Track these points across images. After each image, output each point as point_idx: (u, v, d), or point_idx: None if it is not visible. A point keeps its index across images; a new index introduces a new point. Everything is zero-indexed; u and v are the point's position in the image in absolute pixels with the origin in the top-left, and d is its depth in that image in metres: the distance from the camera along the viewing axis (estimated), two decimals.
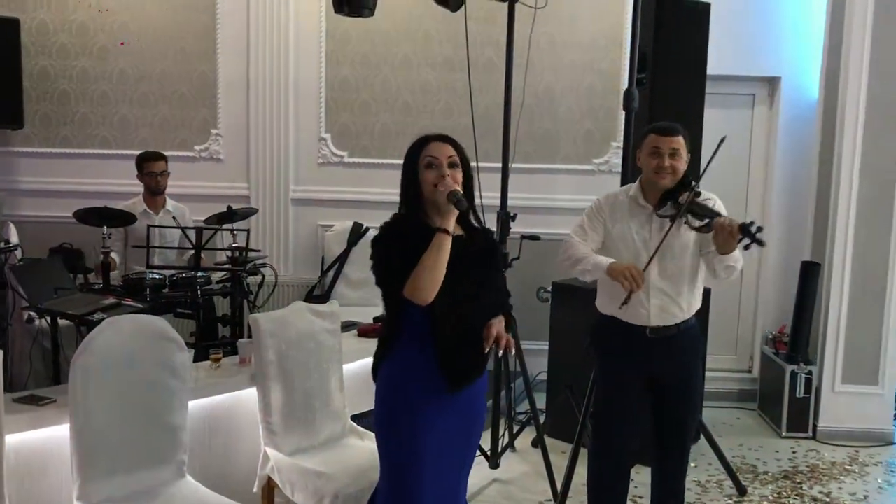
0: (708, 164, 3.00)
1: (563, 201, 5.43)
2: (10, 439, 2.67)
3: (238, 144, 5.71)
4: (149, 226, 4.44)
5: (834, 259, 4.82)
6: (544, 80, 5.49)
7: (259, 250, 4.91)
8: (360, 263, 5.36)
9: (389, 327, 2.46)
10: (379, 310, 4.59)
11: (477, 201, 3.44)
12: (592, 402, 3.56)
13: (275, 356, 3.20)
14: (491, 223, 3.46)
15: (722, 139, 2.94)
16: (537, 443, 4.26)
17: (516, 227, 4.17)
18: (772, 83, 5.49)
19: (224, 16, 5.59)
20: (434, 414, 2.37)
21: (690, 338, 3.18)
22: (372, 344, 3.84)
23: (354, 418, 3.49)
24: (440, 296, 2.30)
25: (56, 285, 3.79)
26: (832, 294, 4.83)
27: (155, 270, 4.27)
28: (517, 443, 4.44)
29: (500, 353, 2.41)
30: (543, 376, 4.87)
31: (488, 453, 4.04)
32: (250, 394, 3.27)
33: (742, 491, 4.05)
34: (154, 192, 4.90)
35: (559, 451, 4.30)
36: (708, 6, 4.55)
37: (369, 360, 3.62)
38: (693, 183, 2.96)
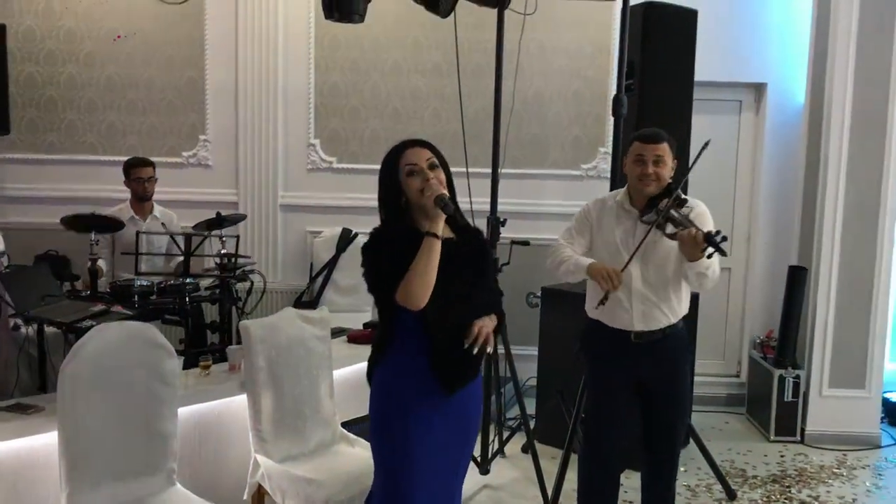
0: (690, 168, 3.02)
1: (552, 206, 5.44)
2: None
3: (226, 150, 5.69)
4: (138, 232, 4.41)
5: (821, 263, 4.85)
6: (533, 85, 5.51)
7: (249, 256, 4.90)
8: (349, 269, 5.34)
9: (383, 332, 2.46)
10: (368, 316, 4.59)
11: (466, 207, 3.47)
12: (583, 408, 3.56)
13: (265, 363, 3.19)
14: (481, 228, 3.47)
15: (706, 143, 2.96)
16: (527, 448, 4.25)
17: (505, 233, 4.17)
18: (758, 89, 5.53)
19: (212, 21, 5.58)
20: (429, 418, 2.37)
21: (677, 342, 3.19)
22: (362, 350, 3.88)
23: (344, 425, 3.48)
24: (432, 299, 2.29)
25: (43, 292, 3.75)
26: (819, 298, 4.86)
27: (143, 277, 4.25)
28: (507, 449, 4.42)
29: (488, 349, 2.39)
30: (533, 381, 4.88)
31: (479, 459, 4.03)
32: (240, 401, 3.26)
33: (732, 495, 4.06)
34: (141, 199, 4.87)
35: (549, 457, 4.30)
36: (695, 13, 4.59)
37: (360, 367, 3.64)
38: (676, 190, 2.97)
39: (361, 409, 3.51)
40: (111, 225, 4.38)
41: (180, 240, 4.34)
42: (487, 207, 4.17)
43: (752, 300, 5.65)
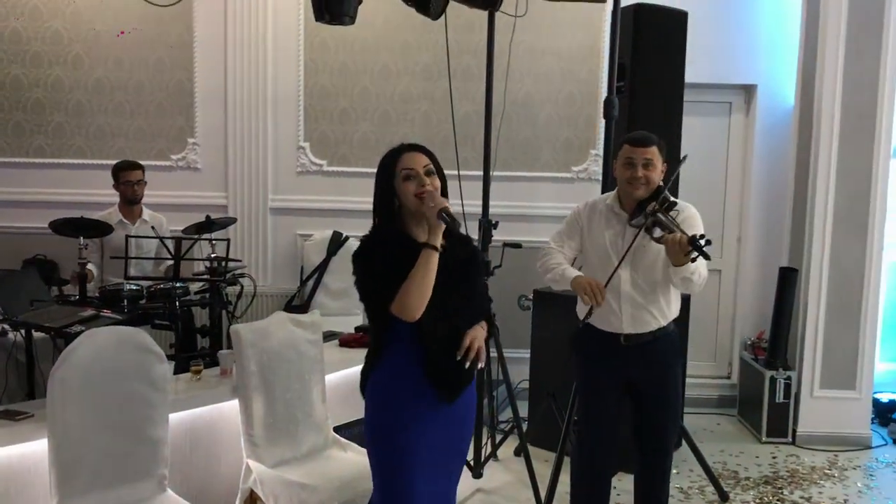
0: (667, 184, 3.02)
1: (544, 209, 5.44)
2: None
3: (215, 153, 5.66)
4: (127, 236, 4.38)
5: (811, 265, 4.87)
6: (524, 87, 5.50)
7: (239, 260, 4.87)
8: (340, 273, 5.32)
9: (376, 341, 2.44)
10: (360, 319, 4.57)
11: (458, 209, 3.46)
12: (576, 410, 3.56)
13: (256, 367, 3.17)
14: (473, 231, 3.46)
15: (683, 157, 3.01)
16: (520, 451, 4.25)
17: (497, 235, 4.17)
18: (748, 91, 5.55)
19: (201, 23, 5.55)
20: (425, 423, 2.35)
21: (667, 345, 3.18)
22: (354, 354, 3.87)
23: (337, 429, 3.46)
24: (427, 308, 2.28)
25: (31, 297, 3.73)
26: (810, 300, 4.87)
27: (132, 281, 4.21)
28: (500, 452, 4.42)
29: (479, 364, 2.39)
30: (525, 384, 4.87)
31: (471, 463, 4.02)
32: (231, 406, 3.23)
33: (724, 497, 4.06)
34: (130, 202, 4.84)
35: (542, 460, 4.29)
36: (685, 15, 4.59)
37: (352, 371, 3.63)
38: (664, 193, 2.97)
39: (354, 413, 3.51)
40: (100, 229, 4.34)
41: (170, 243, 4.31)
42: (479, 210, 4.16)
43: (742, 302, 5.66)
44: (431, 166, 2.40)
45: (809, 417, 4.90)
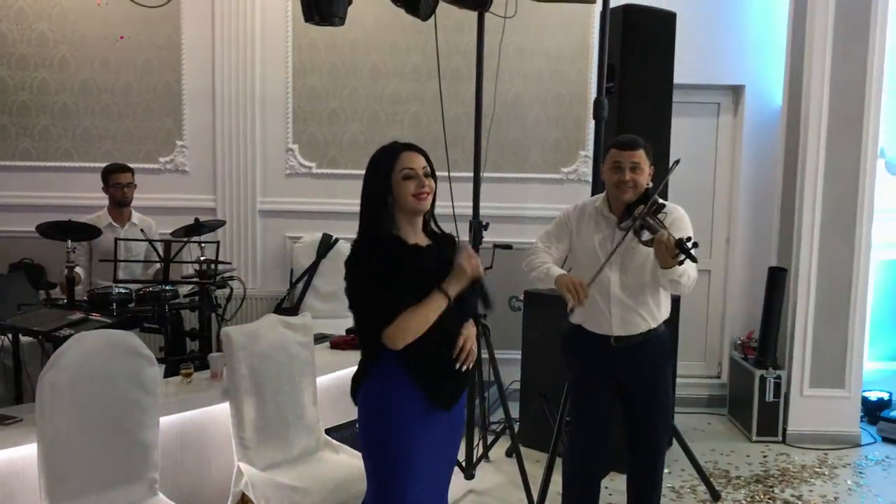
0: (659, 188, 3.02)
1: (534, 210, 5.44)
2: None
3: (204, 156, 5.63)
4: (116, 239, 4.35)
5: (800, 264, 4.89)
6: (513, 88, 5.50)
7: (229, 262, 4.85)
8: (330, 275, 5.31)
9: (369, 349, 2.38)
10: (350, 321, 4.52)
11: (448, 211, 3.46)
12: (567, 411, 3.56)
13: (247, 370, 3.15)
14: (463, 232, 3.46)
15: (676, 161, 3.01)
16: (512, 452, 4.24)
17: (487, 237, 4.17)
18: (736, 91, 5.57)
19: (188, 24, 5.52)
20: (420, 426, 2.32)
21: (658, 347, 3.19)
22: (345, 356, 3.86)
23: (328, 431, 3.44)
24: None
25: (19, 301, 3.70)
26: (799, 299, 4.89)
27: (121, 284, 4.19)
28: (492, 453, 4.41)
29: (470, 364, 2.39)
30: (517, 385, 4.86)
31: (463, 464, 4.01)
32: (222, 409, 3.21)
33: (716, 496, 4.07)
34: (120, 205, 4.80)
35: (534, 461, 4.29)
36: (674, 16, 4.60)
37: (343, 373, 3.62)
38: (653, 196, 2.98)
39: (345, 415, 3.50)
40: (88, 232, 4.31)
41: (159, 246, 4.29)
42: (469, 212, 4.16)
43: (732, 301, 5.68)
44: (429, 169, 2.39)
45: (799, 416, 4.92)
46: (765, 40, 5.42)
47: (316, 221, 5.58)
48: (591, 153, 4.97)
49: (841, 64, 4.75)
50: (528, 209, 5.49)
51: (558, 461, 3.66)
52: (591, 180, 4.66)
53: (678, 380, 4.81)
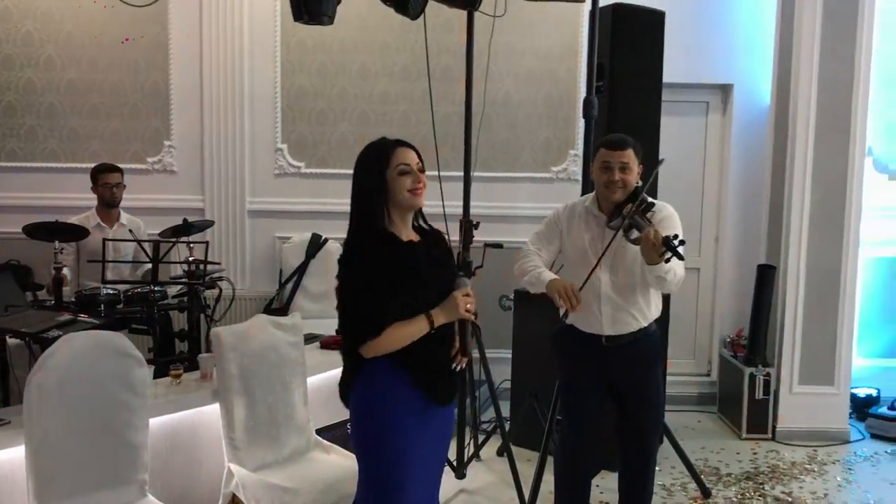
0: (645, 186, 3.03)
1: (524, 209, 5.44)
2: None
3: (192, 156, 5.60)
4: (104, 239, 4.32)
5: (789, 262, 4.91)
6: (503, 88, 5.50)
7: (218, 262, 4.82)
8: (320, 275, 5.29)
9: (357, 351, 2.35)
10: None
11: (438, 210, 3.45)
12: (558, 410, 3.56)
13: (237, 370, 3.14)
14: (454, 232, 3.45)
15: (660, 160, 3.05)
16: (503, 451, 4.24)
17: (478, 236, 4.15)
18: (725, 90, 5.59)
19: (176, 23, 5.49)
20: (413, 426, 2.32)
21: (648, 345, 3.19)
22: (335, 356, 3.77)
23: (319, 432, 3.43)
24: (411, 312, 2.27)
25: (6, 303, 3.66)
26: (788, 297, 4.91)
27: (109, 285, 4.16)
28: (483, 452, 4.41)
29: (462, 366, 2.40)
30: (507, 384, 4.86)
31: (454, 463, 4.01)
32: (212, 410, 3.20)
33: (706, 493, 4.08)
34: (109, 205, 4.77)
35: (525, 460, 4.28)
36: (663, 15, 4.61)
37: (333, 373, 3.60)
38: (642, 196, 2.98)
39: (336, 415, 3.49)
40: (75, 232, 4.29)
41: (148, 247, 4.26)
42: (460, 211, 4.15)
43: (721, 299, 5.69)
44: (422, 166, 2.38)
45: (788, 413, 4.94)
46: (753, 39, 5.43)
47: (305, 221, 5.55)
48: (580, 152, 4.98)
49: (829, 63, 4.78)
50: (519, 208, 5.49)
51: (550, 460, 3.66)
52: (580, 179, 4.67)
53: (668, 378, 4.81)
